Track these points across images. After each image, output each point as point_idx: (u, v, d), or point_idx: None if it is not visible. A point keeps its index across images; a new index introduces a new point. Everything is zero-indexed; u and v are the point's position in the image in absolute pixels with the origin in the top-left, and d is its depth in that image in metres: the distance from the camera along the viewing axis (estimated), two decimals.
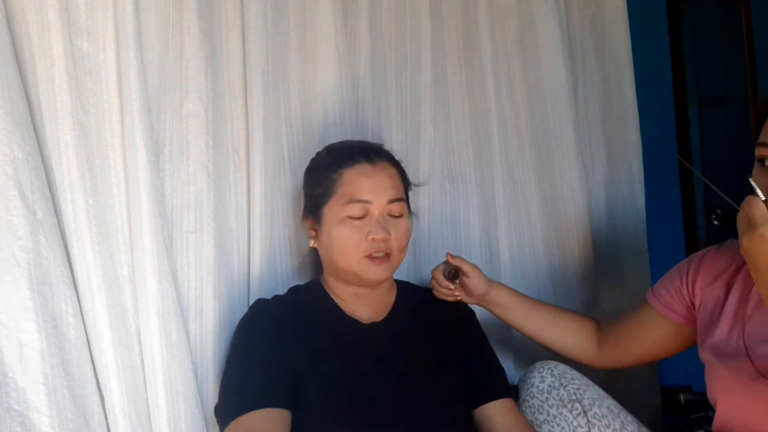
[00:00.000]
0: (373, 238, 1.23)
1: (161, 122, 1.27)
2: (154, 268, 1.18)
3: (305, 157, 1.40)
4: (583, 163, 1.84)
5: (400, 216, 1.27)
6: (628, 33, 1.95)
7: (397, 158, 1.34)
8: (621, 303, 1.88)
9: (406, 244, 1.29)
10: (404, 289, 1.38)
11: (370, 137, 1.46)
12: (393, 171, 1.29)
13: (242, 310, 1.29)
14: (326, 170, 1.28)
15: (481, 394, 1.30)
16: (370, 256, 1.24)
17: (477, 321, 1.41)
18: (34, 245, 1.08)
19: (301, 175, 1.38)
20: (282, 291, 1.33)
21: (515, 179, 1.75)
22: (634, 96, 1.94)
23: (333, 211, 1.25)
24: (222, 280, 1.31)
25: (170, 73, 1.28)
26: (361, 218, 1.24)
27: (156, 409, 1.17)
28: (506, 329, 1.61)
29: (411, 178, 1.37)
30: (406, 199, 1.31)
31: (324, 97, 1.47)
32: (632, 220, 1.92)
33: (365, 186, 1.24)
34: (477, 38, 1.71)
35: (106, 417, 1.14)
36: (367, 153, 1.28)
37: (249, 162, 1.37)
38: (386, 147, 1.35)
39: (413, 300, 1.36)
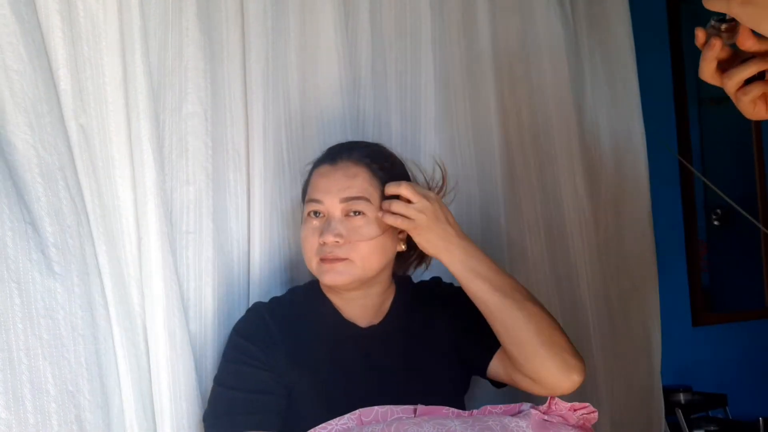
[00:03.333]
0: (323, 241, 1.19)
1: (161, 122, 1.27)
2: (160, 267, 1.19)
3: (305, 157, 1.39)
4: (587, 164, 1.83)
5: (359, 216, 1.20)
6: (630, 32, 1.95)
7: (385, 157, 1.28)
8: (630, 302, 1.88)
9: (373, 248, 1.20)
10: (403, 287, 1.32)
11: (370, 137, 1.46)
12: (357, 170, 1.22)
13: (242, 310, 1.29)
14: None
15: (483, 356, 1.27)
16: (322, 259, 1.20)
17: (464, 294, 1.26)
18: (79, 234, 1.11)
19: (300, 175, 1.38)
20: (281, 291, 1.33)
21: (517, 179, 1.74)
22: (638, 95, 1.93)
23: (303, 212, 1.26)
24: (222, 280, 1.31)
25: (169, 73, 1.29)
26: (318, 218, 1.22)
27: (160, 407, 1.18)
28: None
29: (411, 178, 1.34)
30: (379, 200, 1.22)
31: (324, 97, 1.47)
32: (638, 219, 1.91)
33: (320, 185, 1.23)
34: (478, 38, 1.71)
35: (123, 411, 1.15)
36: (333, 154, 1.26)
37: (249, 162, 1.37)
38: (386, 146, 1.33)
39: (412, 298, 1.32)
